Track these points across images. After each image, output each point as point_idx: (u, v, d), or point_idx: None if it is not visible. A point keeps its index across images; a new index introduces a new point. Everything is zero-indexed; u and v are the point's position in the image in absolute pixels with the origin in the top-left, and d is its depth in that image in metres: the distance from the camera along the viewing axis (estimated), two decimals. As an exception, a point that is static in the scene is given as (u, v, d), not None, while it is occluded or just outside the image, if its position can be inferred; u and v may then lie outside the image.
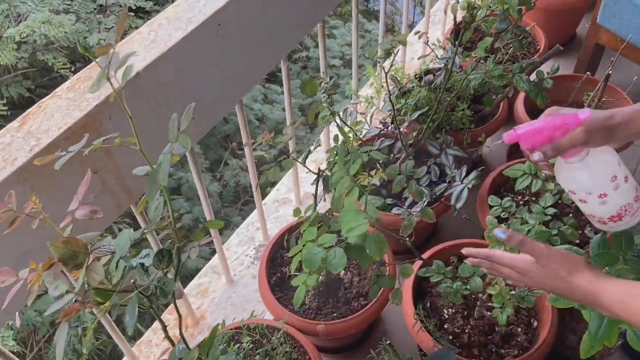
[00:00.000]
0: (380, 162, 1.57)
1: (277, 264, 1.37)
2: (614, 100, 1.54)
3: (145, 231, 0.64)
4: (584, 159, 0.73)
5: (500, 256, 0.78)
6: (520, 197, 1.41)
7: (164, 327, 0.77)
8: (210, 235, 1.29)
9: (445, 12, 1.40)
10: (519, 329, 1.21)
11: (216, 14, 0.97)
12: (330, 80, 0.99)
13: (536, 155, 0.73)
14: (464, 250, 0.84)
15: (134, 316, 0.53)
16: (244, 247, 1.63)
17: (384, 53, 1.27)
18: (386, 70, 1.32)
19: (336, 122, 0.92)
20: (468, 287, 1.04)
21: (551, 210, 1.07)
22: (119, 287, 0.62)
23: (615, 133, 0.72)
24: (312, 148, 0.94)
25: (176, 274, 0.61)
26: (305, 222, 0.93)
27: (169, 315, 1.48)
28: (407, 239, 0.98)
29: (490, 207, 1.43)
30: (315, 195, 1.03)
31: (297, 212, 1.02)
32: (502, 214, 1.12)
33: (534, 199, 1.36)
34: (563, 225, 1.09)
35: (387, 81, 1.20)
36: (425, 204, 1.26)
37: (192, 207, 3.51)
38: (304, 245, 0.90)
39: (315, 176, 1.01)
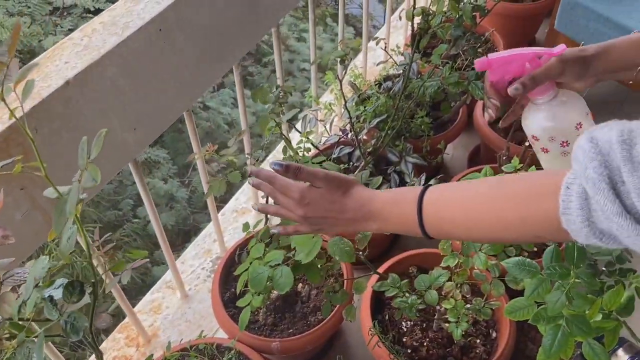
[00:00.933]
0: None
1: (231, 279, 1.31)
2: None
3: (57, 264, 0.58)
4: (552, 99, 0.71)
5: (277, 179, 0.70)
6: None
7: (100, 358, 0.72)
8: (147, 257, 1.23)
9: (400, 17, 1.38)
10: (478, 341, 1.19)
11: (156, 18, 0.92)
12: (276, 90, 0.95)
13: (515, 87, 0.70)
14: (250, 169, 0.76)
15: (40, 356, 0.48)
16: (200, 260, 1.57)
17: (345, 58, 1.24)
18: (344, 77, 1.29)
19: (282, 133, 0.88)
20: (424, 300, 1.01)
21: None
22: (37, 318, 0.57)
23: (590, 65, 0.70)
24: (252, 162, 0.89)
25: (92, 311, 0.56)
26: (254, 238, 0.89)
27: (118, 334, 1.41)
28: (362, 253, 0.95)
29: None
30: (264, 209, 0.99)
31: (245, 227, 0.97)
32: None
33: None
34: (519, 235, 1.07)
35: (341, 89, 1.17)
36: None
37: (159, 213, 3.42)
38: (250, 263, 0.86)
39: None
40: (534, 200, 0.53)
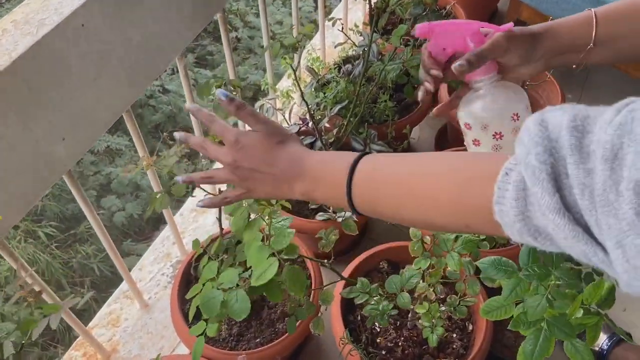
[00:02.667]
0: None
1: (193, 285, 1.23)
2: (539, 83, 1.49)
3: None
4: (492, 82, 0.66)
5: (218, 122, 0.64)
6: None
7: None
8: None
9: (355, -2, 1.29)
10: (454, 335, 1.14)
11: (77, 12, 0.80)
12: (225, 86, 0.85)
13: (458, 64, 0.64)
14: (176, 134, 0.70)
15: None
16: (159, 265, 1.48)
17: (297, 46, 1.14)
18: (300, 62, 1.19)
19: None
20: (396, 303, 0.95)
21: (479, 213, 0.99)
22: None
23: (538, 44, 0.65)
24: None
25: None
26: (204, 257, 0.80)
27: (74, 352, 1.31)
28: (326, 261, 0.87)
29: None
30: (220, 220, 0.90)
31: (195, 244, 0.88)
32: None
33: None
34: (492, 226, 1.01)
35: (296, 80, 1.08)
36: (345, 214, 1.16)
37: (124, 203, 3.29)
38: (203, 285, 0.77)
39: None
40: (470, 182, 0.46)
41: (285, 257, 0.72)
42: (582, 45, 0.66)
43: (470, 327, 1.16)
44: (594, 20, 0.64)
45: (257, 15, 4.32)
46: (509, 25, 0.65)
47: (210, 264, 0.77)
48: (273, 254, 0.70)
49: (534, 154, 0.38)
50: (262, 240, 0.73)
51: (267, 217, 0.71)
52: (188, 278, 1.23)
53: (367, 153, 0.57)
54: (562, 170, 0.37)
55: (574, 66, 0.69)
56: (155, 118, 3.68)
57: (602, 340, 1.30)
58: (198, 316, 1.10)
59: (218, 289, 0.71)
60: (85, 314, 2.80)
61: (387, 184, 0.53)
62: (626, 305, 1.40)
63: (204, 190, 0.87)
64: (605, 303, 0.84)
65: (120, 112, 1.00)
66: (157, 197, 0.76)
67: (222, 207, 0.91)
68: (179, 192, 0.77)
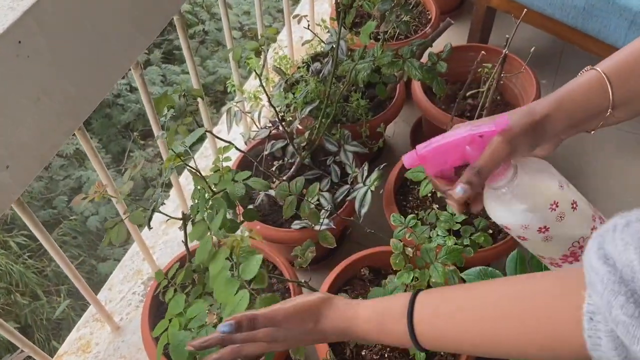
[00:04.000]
0: (274, 169, 1.40)
1: (165, 308, 1.16)
2: (514, 74, 1.45)
3: None
4: (511, 181, 0.55)
5: (236, 337, 0.59)
6: (430, 195, 1.30)
7: None
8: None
9: (320, -6, 1.22)
10: (441, 342, 1.10)
11: (10, 30, 0.72)
12: (184, 98, 0.78)
13: (460, 190, 0.55)
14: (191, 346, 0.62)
15: None
16: (129, 284, 1.40)
17: (261, 50, 1.07)
18: (266, 63, 1.12)
19: (187, 166, 0.72)
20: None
21: (460, 217, 0.95)
22: None
23: (544, 129, 0.56)
24: (157, 204, 0.73)
25: None
26: (171, 288, 0.74)
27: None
28: (304, 281, 0.82)
29: (399, 207, 1.31)
30: (186, 244, 0.83)
31: (158, 275, 0.82)
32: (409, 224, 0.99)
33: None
34: (474, 230, 0.97)
35: (262, 85, 1.01)
36: (323, 222, 1.10)
37: (97, 207, 3.20)
38: (170, 321, 0.71)
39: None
40: (552, 329, 0.43)
41: (256, 287, 0.66)
42: (600, 112, 0.57)
43: (457, 332, 1.12)
44: (609, 85, 0.56)
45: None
46: (504, 120, 0.54)
47: (176, 298, 0.71)
48: (243, 286, 0.64)
49: (619, 308, 0.35)
50: (231, 268, 0.67)
51: (233, 247, 0.64)
52: (159, 301, 1.16)
53: (415, 296, 0.54)
54: None
55: (591, 132, 0.61)
56: (124, 117, 3.57)
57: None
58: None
59: (186, 328, 0.65)
60: (63, 323, 2.71)
61: (455, 334, 0.51)
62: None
63: (167, 215, 0.80)
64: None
65: (72, 130, 0.92)
66: (113, 227, 0.69)
67: (188, 219, 0.84)
68: (136, 220, 0.71)
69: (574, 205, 0.56)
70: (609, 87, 0.55)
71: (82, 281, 1.11)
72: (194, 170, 0.72)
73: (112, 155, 3.48)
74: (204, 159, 1.67)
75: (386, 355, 1.07)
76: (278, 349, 0.62)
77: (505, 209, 0.56)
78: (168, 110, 0.71)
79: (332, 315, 0.59)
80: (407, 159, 0.57)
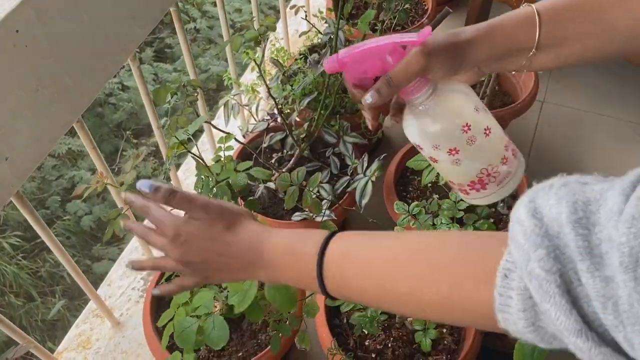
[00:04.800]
0: (273, 161, 1.39)
1: (166, 301, 1.15)
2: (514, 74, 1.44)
3: None
4: (428, 97, 0.54)
5: (150, 209, 0.55)
6: (430, 185, 1.29)
7: None
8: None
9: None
10: (445, 330, 1.10)
11: (8, 18, 0.71)
12: (183, 88, 0.77)
13: (369, 97, 0.54)
14: (122, 195, 0.62)
15: None
16: (129, 279, 1.39)
17: (260, 39, 1.06)
18: (263, 55, 1.11)
19: (191, 153, 0.71)
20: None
21: (463, 204, 0.95)
22: None
23: (466, 53, 0.54)
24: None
25: None
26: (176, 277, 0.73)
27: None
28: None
29: (399, 197, 1.30)
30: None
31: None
32: (413, 211, 0.99)
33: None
34: (477, 217, 0.97)
35: (262, 75, 1.00)
36: (324, 213, 1.10)
37: (91, 206, 3.18)
38: (176, 310, 0.70)
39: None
40: (461, 285, 0.40)
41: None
42: (522, 50, 0.55)
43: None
44: (537, 23, 0.53)
45: (215, 4, 4.19)
46: (427, 31, 0.52)
47: (181, 287, 0.70)
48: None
49: (537, 260, 0.32)
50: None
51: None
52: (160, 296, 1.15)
53: (334, 234, 0.49)
54: (574, 276, 0.31)
55: (513, 72, 0.58)
56: (116, 116, 3.55)
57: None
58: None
59: (192, 315, 0.64)
60: (58, 324, 2.69)
61: (363, 280, 0.47)
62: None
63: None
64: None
65: (70, 122, 0.91)
66: (116, 218, 0.69)
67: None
68: (117, 228, 0.69)
69: (487, 132, 0.55)
70: (537, 25, 0.53)
71: (83, 276, 1.11)
72: (197, 158, 0.72)
73: (105, 154, 3.46)
74: (202, 152, 1.66)
75: (390, 345, 1.07)
76: (173, 254, 0.54)
77: (419, 126, 0.55)
78: (172, 97, 0.70)
79: (249, 227, 0.54)
80: (327, 64, 0.55)
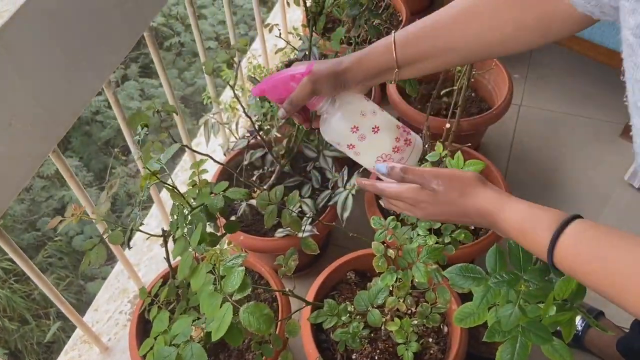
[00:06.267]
0: (254, 178, 1.40)
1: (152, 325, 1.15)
2: (486, 70, 1.47)
3: None
4: (326, 109, 0.70)
5: (388, 190, 0.70)
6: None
7: None
8: None
9: (288, 4, 1.22)
10: (430, 340, 1.11)
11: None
12: (158, 114, 0.78)
13: (279, 113, 0.72)
14: (356, 181, 0.78)
15: None
16: (116, 303, 1.39)
17: (232, 62, 1.07)
18: (236, 76, 1.12)
19: (163, 183, 0.71)
20: (367, 321, 0.90)
21: (441, 215, 0.96)
22: None
23: (344, 79, 0.68)
24: (136, 224, 0.72)
25: None
26: (155, 305, 0.73)
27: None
28: (288, 290, 0.82)
29: (381, 210, 1.32)
30: (168, 261, 0.83)
31: (142, 293, 0.81)
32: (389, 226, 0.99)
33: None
34: (455, 227, 0.98)
35: (236, 96, 1.01)
36: (307, 230, 1.11)
37: (82, 226, 3.16)
38: (155, 339, 0.70)
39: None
40: None
41: (239, 296, 0.66)
42: (388, 69, 0.69)
43: (446, 329, 1.13)
44: (393, 47, 0.67)
45: (198, 16, 4.19)
46: (311, 65, 0.68)
47: (160, 315, 0.71)
48: (226, 299, 0.64)
49: None
50: (214, 281, 0.67)
51: (214, 261, 0.65)
52: (146, 319, 1.15)
53: (567, 223, 0.56)
54: None
55: (391, 82, 0.73)
56: (104, 134, 3.54)
57: (576, 321, 1.31)
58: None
59: (171, 344, 0.65)
60: (54, 346, 2.67)
61: (592, 274, 0.54)
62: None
63: (147, 234, 0.80)
64: (577, 296, 0.82)
65: (45, 153, 0.91)
66: (92, 249, 0.69)
67: (169, 243, 0.84)
68: (115, 240, 0.70)
69: (375, 129, 0.70)
70: (393, 51, 0.67)
71: (66, 304, 1.10)
72: (171, 187, 0.72)
73: (94, 173, 3.45)
74: (184, 172, 1.66)
75: (376, 358, 1.08)
76: (418, 215, 0.68)
77: (325, 129, 0.72)
78: (142, 129, 0.71)
79: (481, 195, 0.62)
80: (253, 91, 0.73)
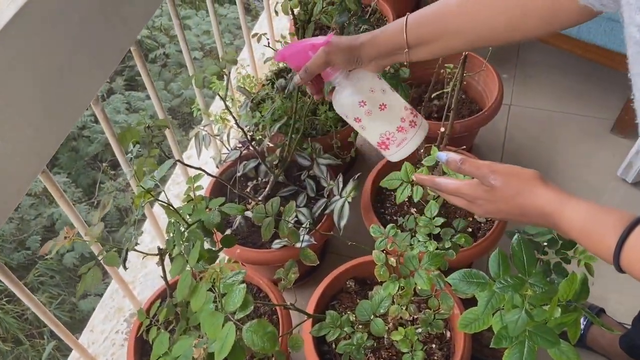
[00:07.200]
0: (249, 189, 1.38)
1: (150, 345, 1.13)
2: (476, 72, 1.47)
3: None
4: (338, 81, 0.73)
5: (445, 185, 0.70)
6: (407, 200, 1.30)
7: None
8: None
9: (277, 13, 1.21)
10: (434, 346, 1.10)
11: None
12: (149, 130, 0.76)
13: (295, 79, 0.74)
14: (414, 176, 0.77)
15: None
16: (112, 323, 1.36)
17: (223, 73, 1.06)
18: (227, 89, 1.11)
19: (159, 201, 0.70)
20: (370, 331, 0.89)
21: (439, 220, 0.95)
22: None
23: (358, 54, 0.71)
24: (131, 244, 0.70)
25: None
26: (153, 327, 0.71)
27: None
28: (290, 303, 0.80)
29: (377, 215, 1.31)
30: (165, 279, 0.81)
31: (140, 314, 0.79)
32: (389, 233, 0.98)
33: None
34: (454, 231, 0.97)
35: (228, 109, 0.99)
36: (305, 240, 1.09)
37: (73, 243, 3.11)
38: (156, 361, 0.68)
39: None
40: None
41: (242, 315, 0.64)
42: (400, 49, 0.71)
43: (449, 334, 1.12)
44: (405, 27, 0.69)
45: (184, 27, 4.17)
46: (329, 37, 0.71)
47: (160, 337, 0.69)
48: (228, 318, 0.62)
49: None
50: (215, 299, 0.65)
51: (214, 279, 0.63)
52: (143, 339, 1.13)
53: (633, 227, 0.54)
54: None
55: (405, 63, 0.75)
56: (91, 149, 3.50)
57: (577, 320, 1.30)
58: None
59: (172, 366, 0.63)
60: (50, 366, 2.63)
61: None
62: (593, 280, 1.40)
63: (142, 253, 0.78)
64: (581, 296, 0.81)
65: (33, 175, 0.89)
66: (87, 273, 0.67)
67: (164, 254, 0.82)
68: (111, 261, 0.68)
69: (382, 107, 0.73)
70: (404, 31, 0.69)
71: (61, 326, 1.08)
72: (166, 205, 0.71)
73: (82, 188, 3.41)
74: (176, 185, 1.64)
75: (379, 366, 1.06)
76: (476, 211, 0.67)
77: (336, 101, 0.74)
78: (134, 146, 0.70)
79: (540, 195, 0.61)
80: (276, 56, 0.75)
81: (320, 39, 0.72)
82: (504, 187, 0.63)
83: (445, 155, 0.69)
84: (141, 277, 1.44)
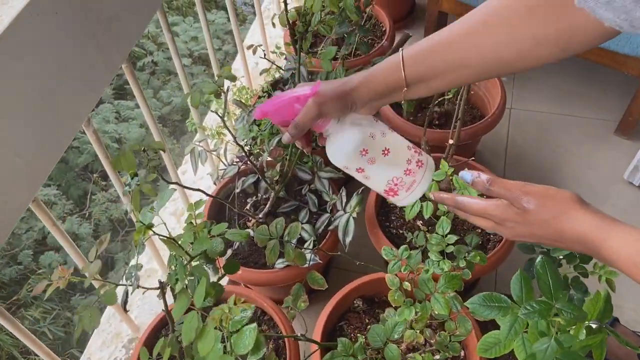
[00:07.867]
0: (248, 206, 1.33)
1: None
2: (479, 85, 1.43)
3: None
4: (333, 131, 0.66)
5: (470, 205, 0.65)
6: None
7: None
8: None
9: (274, 25, 1.17)
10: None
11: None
12: (144, 153, 0.71)
13: (284, 138, 0.67)
14: (433, 195, 0.71)
15: None
16: (109, 349, 1.31)
17: (220, 91, 1.01)
18: (225, 107, 1.06)
19: (159, 235, 0.65)
20: (384, 357, 0.85)
21: (452, 238, 0.91)
22: None
23: (351, 100, 0.65)
24: (134, 286, 0.66)
25: None
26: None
27: None
28: (300, 334, 0.76)
29: (382, 229, 1.26)
30: (167, 312, 0.76)
31: (144, 355, 0.74)
32: (402, 255, 0.94)
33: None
34: (468, 249, 0.93)
35: (225, 125, 0.95)
36: (311, 260, 1.05)
37: (65, 256, 3.06)
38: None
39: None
40: None
41: (254, 359, 0.60)
42: (397, 89, 0.65)
43: (463, 353, 1.08)
44: (402, 65, 0.64)
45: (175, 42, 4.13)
46: (316, 86, 0.64)
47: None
48: (239, 361, 0.58)
49: None
50: (222, 338, 0.61)
51: (223, 322, 0.58)
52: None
53: None
54: None
55: (402, 102, 0.67)
56: (81, 160, 3.44)
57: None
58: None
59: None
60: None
61: None
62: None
63: (144, 288, 0.73)
64: (605, 315, 0.78)
65: (25, 203, 0.84)
66: (85, 313, 0.62)
67: (166, 287, 0.77)
68: (109, 300, 0.63)
69: (385, 152, 0.66)
70: (402, 69, 0.63)
71: (49, 354, 1.02)
72: (167, 239, 0.66)
73: (73, 200, 3.35)
74: (172, 202, 1.59)
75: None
76: (505, 234, 0.62)
77: (332, 153, 0.67)
78: (132, 179, 0.65)
79: (580, 219, 0.56)
80: (255, 113, 0.68)
81: (305, 90, 0.65)
82: (539, 210, 0.58)
83: (470, 175, 0.64)
84: (138, 300, 1.39)
